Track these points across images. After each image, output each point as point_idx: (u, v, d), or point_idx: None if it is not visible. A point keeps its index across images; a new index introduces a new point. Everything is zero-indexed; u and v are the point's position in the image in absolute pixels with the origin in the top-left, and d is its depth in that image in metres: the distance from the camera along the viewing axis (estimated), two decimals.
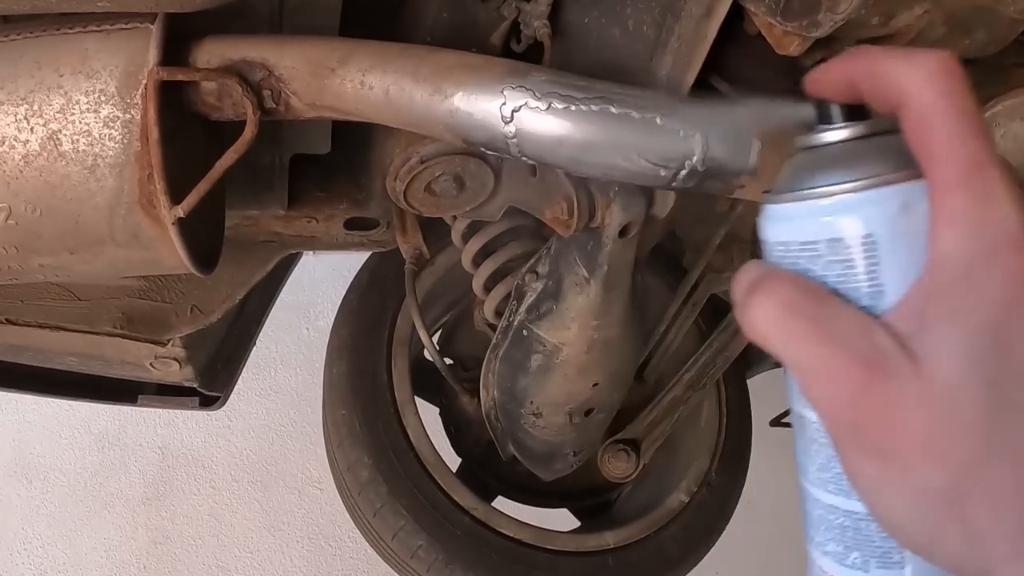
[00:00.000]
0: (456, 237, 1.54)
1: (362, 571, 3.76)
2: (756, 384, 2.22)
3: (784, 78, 1.57)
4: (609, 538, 1.77)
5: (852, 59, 0.60)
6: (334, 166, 1.48)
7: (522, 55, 1.19)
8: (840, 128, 0.62)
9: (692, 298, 1.93)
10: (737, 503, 1.99)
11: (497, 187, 1.22)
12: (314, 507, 3.79)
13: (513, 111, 0.87)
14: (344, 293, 1.85)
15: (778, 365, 2.06)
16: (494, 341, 1.45)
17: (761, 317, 0.58)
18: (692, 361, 1.94)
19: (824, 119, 0.64)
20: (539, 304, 1.29)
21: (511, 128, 0.88)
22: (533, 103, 0.87)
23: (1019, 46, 1.67)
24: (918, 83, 0.54)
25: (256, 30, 1.03)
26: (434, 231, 1.55)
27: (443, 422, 1.90)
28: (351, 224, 1.52)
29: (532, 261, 1.32)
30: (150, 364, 1.59)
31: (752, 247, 1.96)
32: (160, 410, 3.61)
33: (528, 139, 0.88)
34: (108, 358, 1.59)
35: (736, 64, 1.49)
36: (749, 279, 0.61)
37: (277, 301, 1.94)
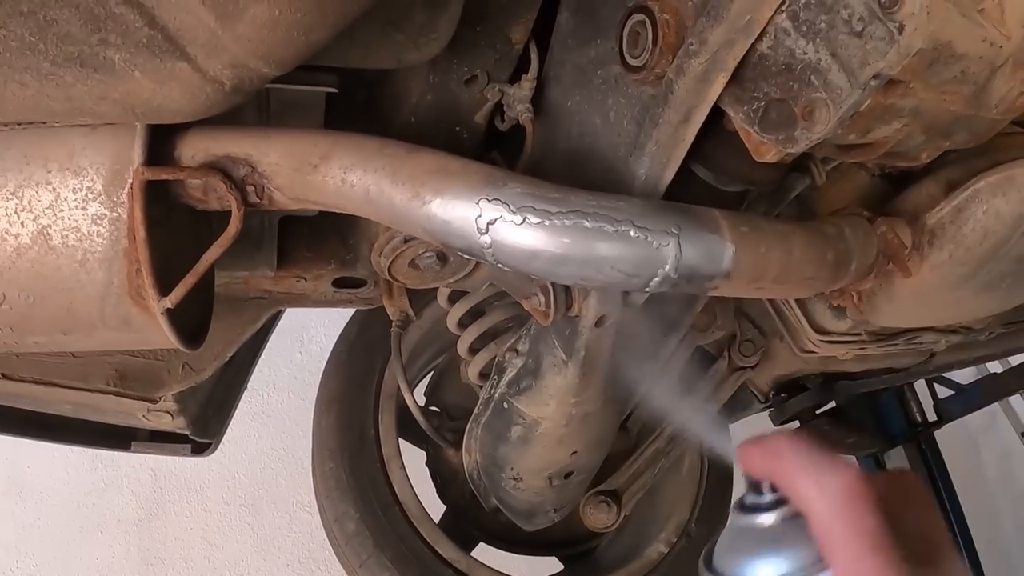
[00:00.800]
0: (442, 300, 1.58)
1: None
2: (736, 429, 2.26)
3: (763, 168, 1.62)
4: None
5: (771, 457, 0.69)
6: (322, 227, 1.52)
7: (506, 133, 1.22)
8: (766, 511, 0.70)
9: (671, 359, 1.97)
10: None
11: (478, 267, 1.27)
12: (304, 531, 3.82)
13: (488, 223, 0.90)
14: (334, 343, 1.89)
15: (761, 411, 2.09)
16: (476, 410, 1.49)
17: None
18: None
19: (754, 488, 0.72)
20: (519, 380, 1.33)
21: (487, 239, 0.91)
22: (508, 216, 0.90)
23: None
24: (822, 507, 0.64)
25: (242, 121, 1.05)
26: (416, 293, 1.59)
27: (429, 470, 1.94)
28: (339, 283, 1.56)
29: (513, 340, 1.36)
30: (143, 416, 1.63)
31: (736, 308, 2.00)
32: None
33: (503, 250, 0.91)
34: (102, 409, 1.62)
35: (716, 153, 1.54)
36: None
37: None
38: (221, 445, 3.81)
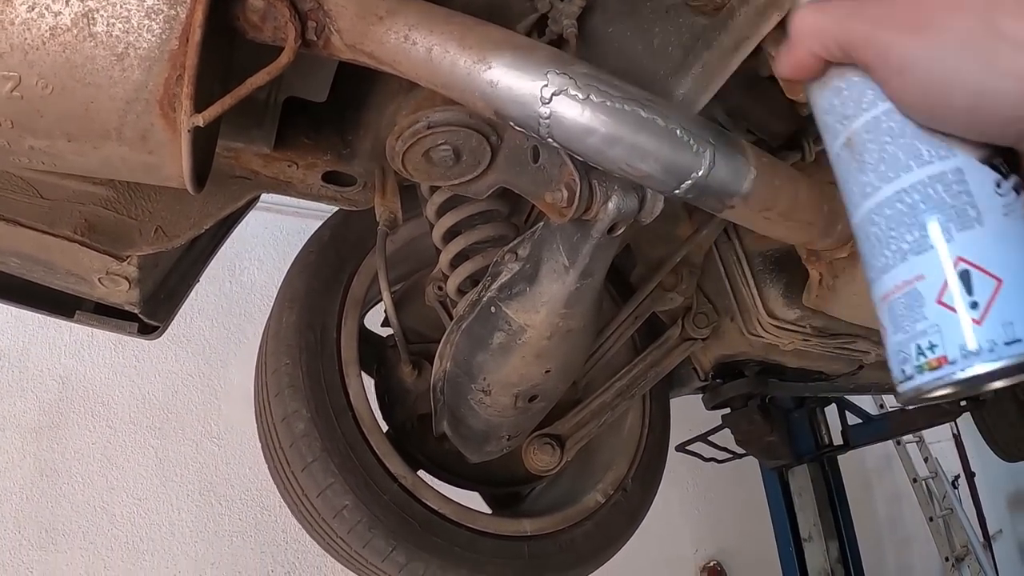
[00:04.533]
0: (431, 211, 1.57)
1: (250, 531, 3.74)
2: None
3: (778, 120, 1.66)
4: (527, 526, 1.80)
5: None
6: (325, 117, 1.50)
7: None
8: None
9: (636, 311, 1.99)
10: (646, 514, 2.05)
11: (491, 167, 1.26)
12: (209, 462, 3.76)
13: (553, 94, 0.92)
14: (303, 245, 1.85)
15: (698, 391, 2.13)
16: (459, 314, 1.47)
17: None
18: (625, 371, 2.00)
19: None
20: (512, 284, 1.33)
21: (546, 110, 0.93)
22: (573, 91, 0.92)
23: None
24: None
25: None
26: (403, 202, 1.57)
27: (377, 392, 1.91)
28: (329, 177, 1.54)
29: (514, 243, 1.35)
30: (99, 279, 1.56)
31: (702, 273, 2.04)
32: (66, 339, 3.54)
33: (560, 123, 0.93)
34: (55, 265, 1.54)
35: (737, 99, 1.57)
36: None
37: None
38: (135, 363, 3.75)
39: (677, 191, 1.02)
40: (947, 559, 7.14)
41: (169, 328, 3.58)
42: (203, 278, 3.68)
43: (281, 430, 1.65)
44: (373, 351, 1.94)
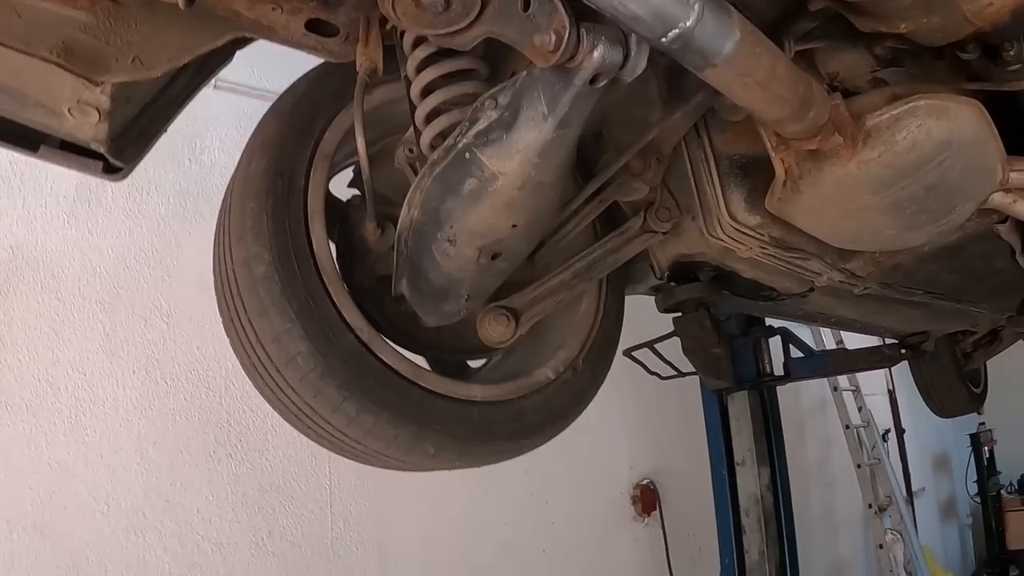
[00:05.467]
0: (411, 66, 1.57)
1: (194, 411, 3.75)
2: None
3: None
4: (477, 391, 1.83)
5: None
6: None
7: None
8: None
9: (600, 195, 2.01)
10: (592, 398, 2.10)
11: (480, 18, 1.27)
12: (157, 339, 3.75)
13: None
14: (278, 97, 1.84)
15: (651, 292, 2.17)
16: (432, 159, 1.48)
17: None
18: (585, 253, 2.03)
19: None
20: (490, 131, 1.34)
21: None
22: None
23: (948, 65, 1.83)
24: None
25: None
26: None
27: (337, 251, 1.91)
28: (312, 26, 1.53)
29: (494, 90, 1.36)
30: (68, 110, 1.55)
31: (668, 169, 2.06)
32: (19, 209, 3.48)
33: None
34: (24, 93, 1.52)
35: None
36: None
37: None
38: (88, 236, 3.69)
39: (664, 39, 1.05)
40: (870, 506, 7.33)
41: (125, 202, 3.54)
42: (162, 155, 3.65)
43: (240, 273, 1.65)
44: (335, 214, 1.94)
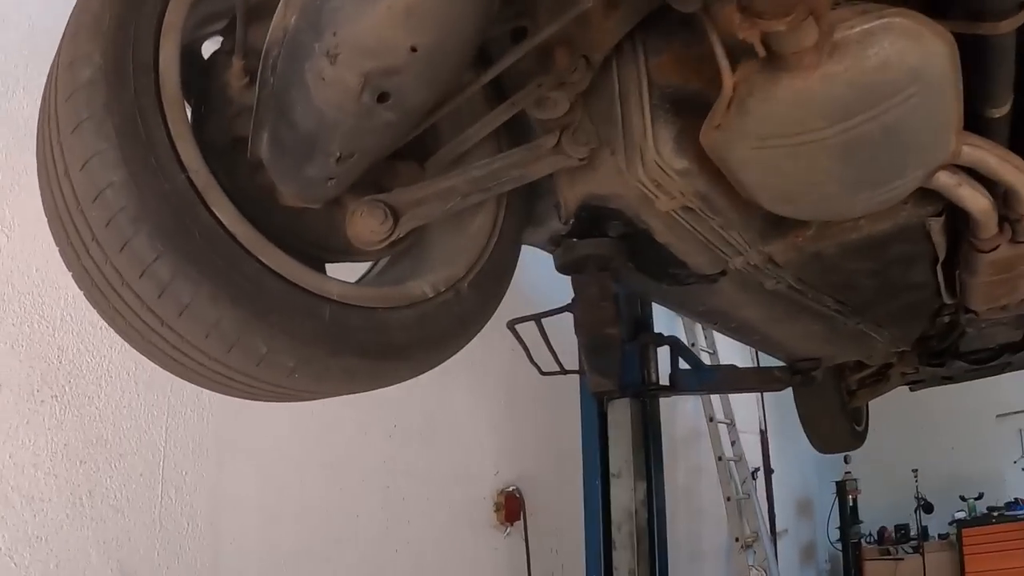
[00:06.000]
0: None
1: (23, 342, 3.32)
2: None
3: None
4: (334, 287, 1.49)
5: None
6: None
7: None
8: None
9: (513, 98, 1.73)
10: (478, 331, 1.80)
11: None
12: None
13: None
14: None
15: (551, 247, 1.86)
16: None
17: None
18: (486, 162, 1.75)
19: None
20: None
21: None
22: None
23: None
24: None
25: None
26: None
27: (193, 105, 1.55)
28: None
29: None
30: None
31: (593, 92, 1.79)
32: None
33: None
34: None
35: None
36: None
37: None
38: None
39: None
40: (737, 539, 7.34)
41: None
42: None
43: (62, 80, 1.29)
44: (196, 68, 1.59)
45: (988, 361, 4.39)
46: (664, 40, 1.76)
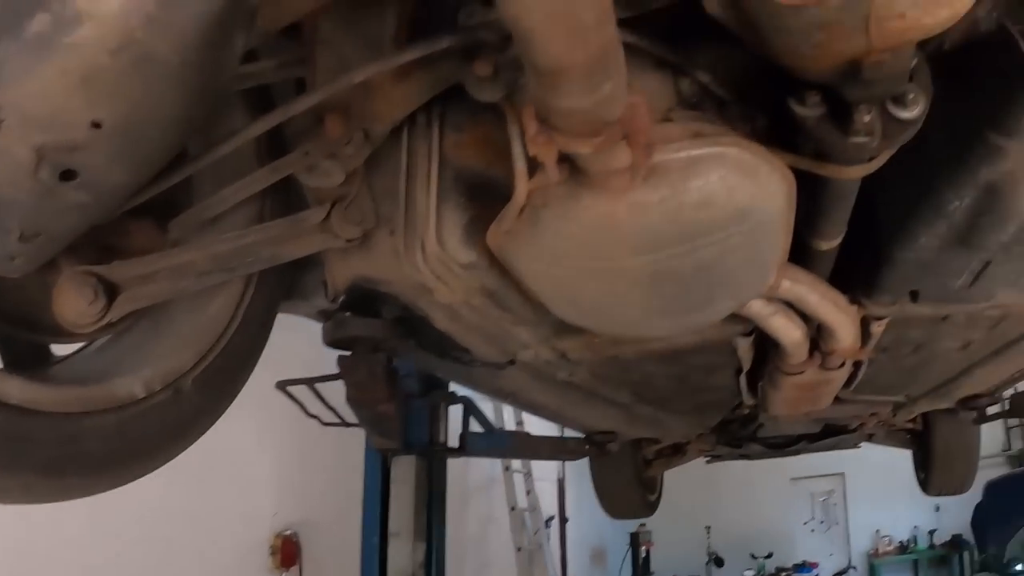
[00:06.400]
0: None
1: None
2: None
3: None
4: (14, 388, 1.22)
5: None
6: None
7: None
8: None
9: (276, 163, 1.50)
10: (197, 436, 1.57)
11: None
12: None
13: None
14: None
15: (319, 317, 1.62)
16: None
17: None
18: (236, 235, 1.51)
19: None
20: None
21: None
22: None
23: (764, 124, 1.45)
24: None
25: None
26: None
27: None
28: None
29: None
30: None
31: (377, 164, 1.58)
32: None
33: None
34: None
35: None
36: None
37: None
38: None
39: None
40: None
41: None
42: None
43: None
44: None
45: (785, 447, 4.46)
46: (467, 116, 1.54)
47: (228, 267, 1.49)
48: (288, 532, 5.46)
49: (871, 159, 1.29)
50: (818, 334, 2.00)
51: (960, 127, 1.30)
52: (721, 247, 1.35)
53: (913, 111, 1.14)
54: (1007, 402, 4.02)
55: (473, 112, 1.52)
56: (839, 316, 1.84)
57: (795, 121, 1.20)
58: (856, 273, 1.86)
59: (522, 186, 1.28)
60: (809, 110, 1.18)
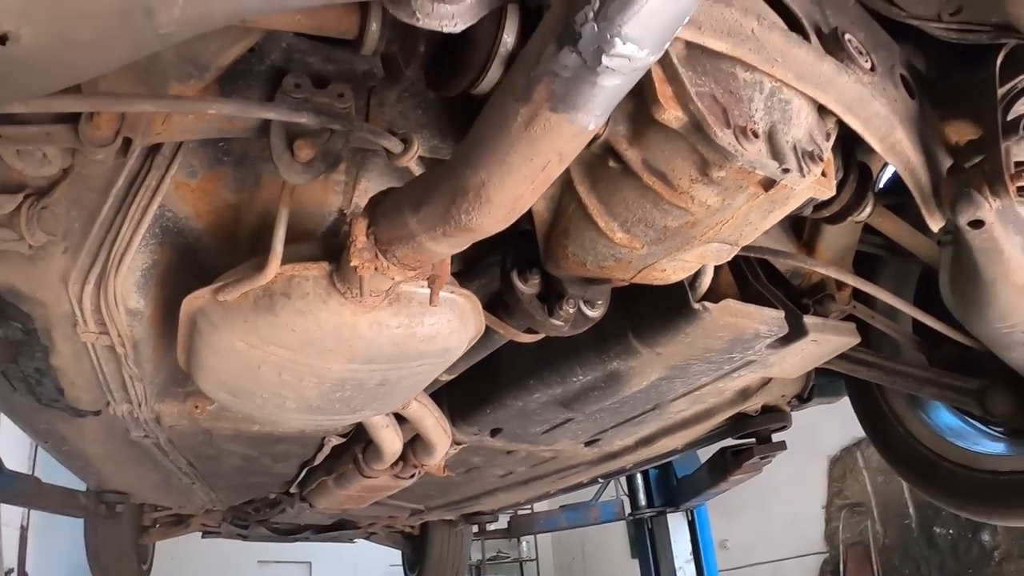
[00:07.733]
0: None
1: None
2: None
3: None
4: None
5: None
6: None
7: None
8: None
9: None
10: None
11: None
12: None
13: None
14: None
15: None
16: None
17: None
18: None
19: None
20: None
21: None
22: None
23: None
24: None
25: None
26: None
27: None
28: None
29: None
30: None
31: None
32: None
33: None
34: None
35: None
36: None
37: None
38: None
39: None
40: None
41: None
42: None
43: None
44: None
45: (290, 533, 4.57)
46: (207, 165, 1.48)
47: None
48: None
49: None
50: (411, 447, 2.23)
51: (609, 328, 1.67)
52: (411, 371, 1.49)
53: (597, 312, 1.50)
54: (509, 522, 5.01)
55: (213, 165, 1.48)
56: (443, 438, 2.07)
57: (511, 290, 1.46)
58: (457, 404, 2.16)
59: (273, 267, 1.26)
60: (528, 288, 1.46)
